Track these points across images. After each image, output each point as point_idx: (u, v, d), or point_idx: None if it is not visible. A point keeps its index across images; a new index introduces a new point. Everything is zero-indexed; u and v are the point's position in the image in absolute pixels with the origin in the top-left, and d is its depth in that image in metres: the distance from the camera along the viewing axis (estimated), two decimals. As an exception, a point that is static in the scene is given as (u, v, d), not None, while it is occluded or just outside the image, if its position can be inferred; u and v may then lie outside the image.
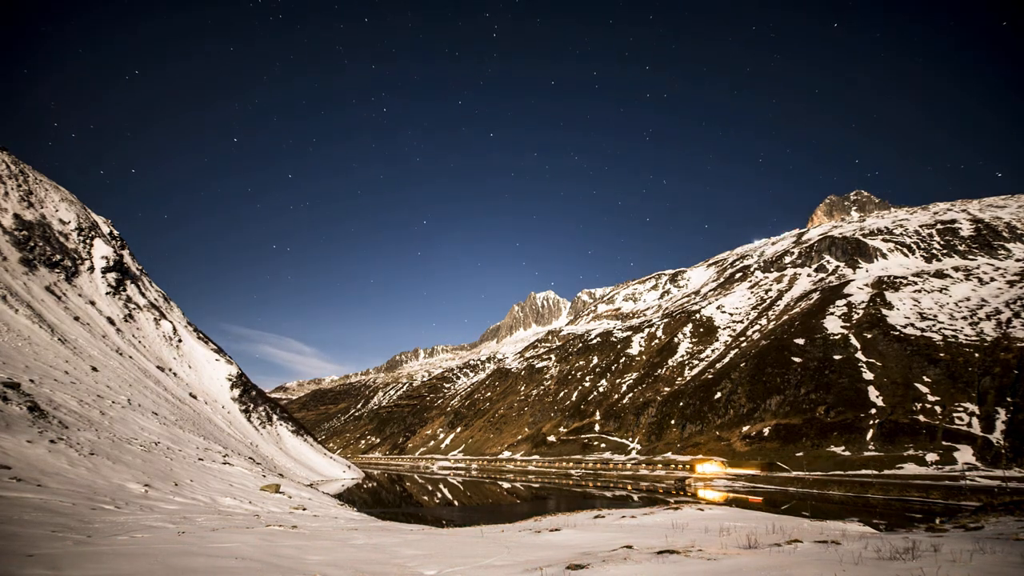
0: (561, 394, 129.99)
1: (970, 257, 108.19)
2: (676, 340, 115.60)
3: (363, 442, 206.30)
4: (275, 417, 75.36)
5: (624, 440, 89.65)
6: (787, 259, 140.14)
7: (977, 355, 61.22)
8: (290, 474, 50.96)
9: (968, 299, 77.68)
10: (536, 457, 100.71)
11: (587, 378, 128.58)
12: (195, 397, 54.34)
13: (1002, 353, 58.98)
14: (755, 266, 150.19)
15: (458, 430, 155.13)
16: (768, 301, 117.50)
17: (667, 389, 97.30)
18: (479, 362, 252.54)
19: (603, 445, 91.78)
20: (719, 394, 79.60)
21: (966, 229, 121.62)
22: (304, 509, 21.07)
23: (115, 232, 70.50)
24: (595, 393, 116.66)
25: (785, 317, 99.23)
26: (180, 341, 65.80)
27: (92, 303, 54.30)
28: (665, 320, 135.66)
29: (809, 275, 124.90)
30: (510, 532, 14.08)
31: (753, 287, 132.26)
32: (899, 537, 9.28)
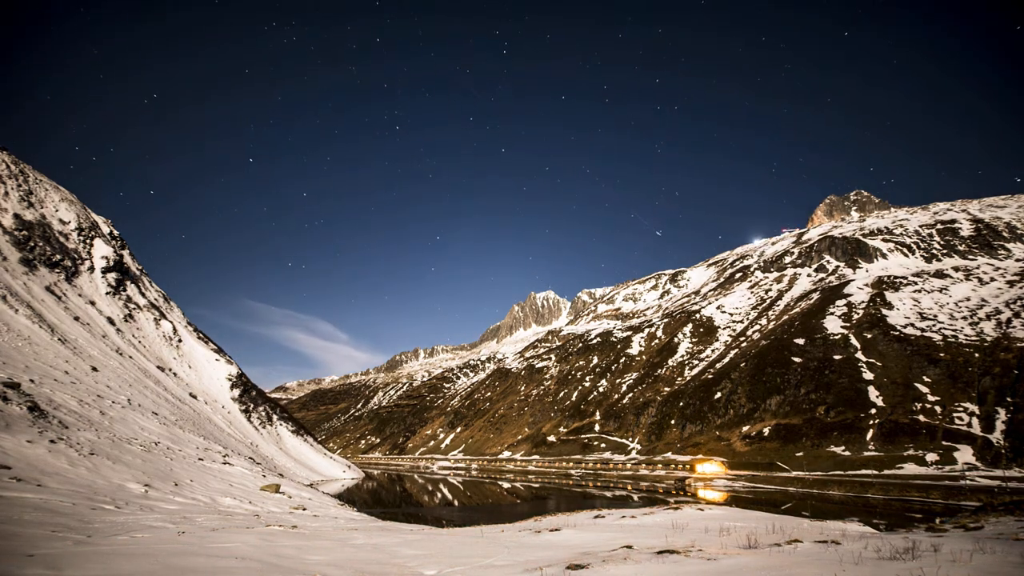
0: (561, 394, 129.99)
1: (970, 257, 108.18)
2: (676, 340, 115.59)
3: (363, 442, 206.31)
4: (275, 417, 75.36)
5: (624, 440, 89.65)
6: (787, 259, 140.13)
7: (977, 355, 61.21)
8: (290, 474, 50.96)
9: (968, 299, 77.68)
10: (536, 457, 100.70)
11: (587, 378, 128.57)
12: (195, 397, 54.34)
13: (1002, 353, 58.98)
14: (755, 266, 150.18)
15: (458, 430, 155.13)
16: (768, 301, 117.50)
17: (667, 389, 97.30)
18: (479, 362, 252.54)
19: (603, 445, 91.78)
20: (719, 394, 79.60)
21: (966, 229, 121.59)
22: (304, 509, 21.07)
23: (115, 232, 70.50)
24: (595, 393, 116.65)
25: (785, 317, 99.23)
26: (180, 341, 65.80)
27: (92, 303, 54.30)
28: (665, 320, 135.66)
29: (809, 275, 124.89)
30: (510, 532, 14.08)
31: (753, 287, 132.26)
32: (899, 537, 9.28)
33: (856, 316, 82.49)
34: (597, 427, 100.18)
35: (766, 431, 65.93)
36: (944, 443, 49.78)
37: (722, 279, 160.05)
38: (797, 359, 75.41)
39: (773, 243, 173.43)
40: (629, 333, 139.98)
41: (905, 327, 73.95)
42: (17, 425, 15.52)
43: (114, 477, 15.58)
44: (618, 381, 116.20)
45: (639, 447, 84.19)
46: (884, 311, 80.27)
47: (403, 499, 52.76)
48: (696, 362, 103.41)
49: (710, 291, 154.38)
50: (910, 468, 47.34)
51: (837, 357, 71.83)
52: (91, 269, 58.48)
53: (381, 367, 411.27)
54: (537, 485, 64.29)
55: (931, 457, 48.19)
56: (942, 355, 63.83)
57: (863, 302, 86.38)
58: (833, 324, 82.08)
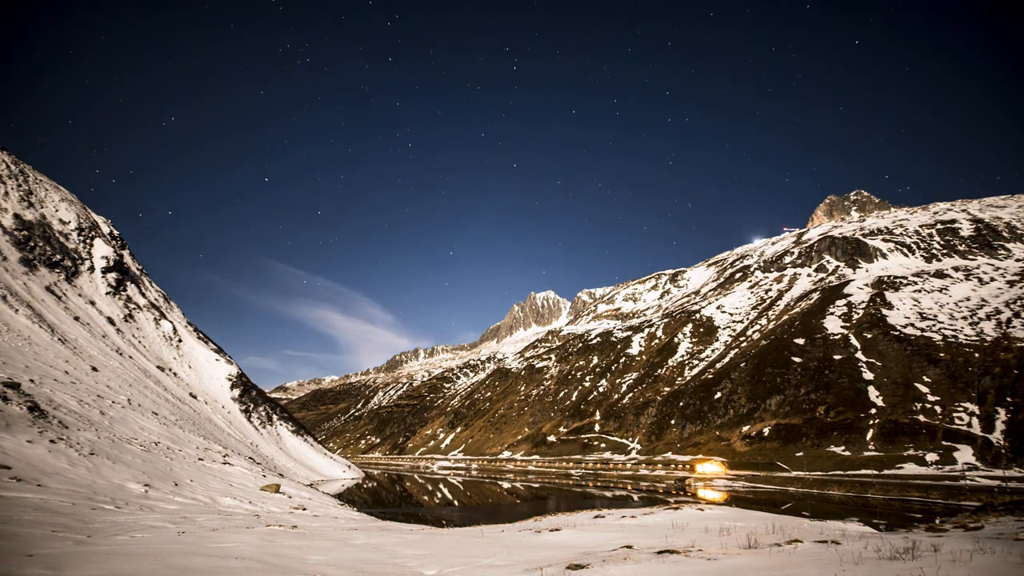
0: (561, 394, 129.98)
1: (970, 257, 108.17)
2: (676, 340, 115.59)
3: (363, 442, 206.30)
4: (275, 417, 75.36)
5: (624, 440, 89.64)
6: (787, 259, 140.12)
7: (977, 355, 61.21)
8: (290, 474, 50.96)
9: (968, 299, 77.67)
10: (536, 457, 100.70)
11: (587, 378, 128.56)
12: (195, 397, 54.34)
13: (1002, 353, 58.98)
14: (755, 266, 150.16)
15: (458, 430, 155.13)
16: (768, 301, 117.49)
17: (667, 389, 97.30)
18: (479, 362, 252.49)
19: (603, 445, 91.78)
20: (719, 394, 79.60)
21: (966, 229, 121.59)
22: (304, 509, 21.08)
23: (115, 232, 70.50)
24: (595, 393, 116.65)
25: (785, 317, 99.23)
26: (180, 341, 65.80)
27: (92, 303, 54.30)
28: (665, 320, 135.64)
29: (809, 275, 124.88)
30: (510, 532, 14.08)
31: (753, 287, 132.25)
32: (899, 537, 9.28)
33: (856, 316, 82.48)
34: (597, 427, 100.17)
35: (766, 431, 65.92)
36: (944, 443, 49.78)
37: (722, 279, 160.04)
38: (797, 359, 75.41)
39: (773, 243, 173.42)
40: (629, 333, 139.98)
41: (905, 327, 73.95)
42: (17, 425, 15.52)
43: (114, 477, 15.58)
44: (618, 381, 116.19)
45: (639, 447, 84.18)
46: (884, 311, 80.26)
47: (403, 499, 52.76)
48: (696, 362, 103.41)
49: (710, 291, 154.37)
50: (910, 468, 47.35)
51: (837, 357, 71.83)
52: (91, 269, 58.47)
53: (381, 367, 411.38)
54: (537, 485, 64.28)
55: (931, 457, 48.20)
56: (942, 355, 63.83)
57: (863, 302, 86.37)
58: (833, 324, 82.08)
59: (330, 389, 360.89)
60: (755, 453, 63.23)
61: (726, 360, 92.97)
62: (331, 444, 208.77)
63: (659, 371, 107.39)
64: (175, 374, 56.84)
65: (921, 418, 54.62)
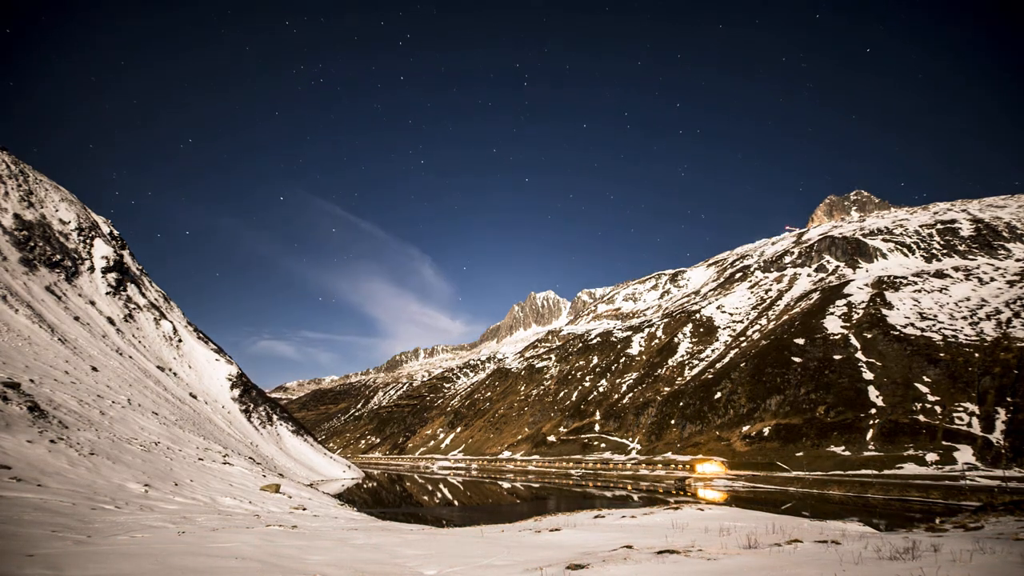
0: (561, 394, 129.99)
1: (970, 257, 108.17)
2: (676, 340, 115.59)
3: (363, 442, 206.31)
4: (275, 417, 75.37)
5: (624, 440, 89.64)
6: (787, 259, 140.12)
7: (977, 355, 61.20)
8: (290, 474, 50.97)
9: (968, 299, 77.68)
10: (536, 457, 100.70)
11: (587, 378, 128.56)
12: (195, 397, 54.35)
13: (1002, 353, 58.97)
14: (755, 266, 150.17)
15: (458, 430, 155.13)
16: (768, 301, 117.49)
17: (667, 389, 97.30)
18: (479, 362, 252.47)
19: (603, 445, 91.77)
20: (719, 394, 79.60)
21: (966, 229, 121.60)
22: (304, 509, 21.08)
23: (115, 232, 70.49)
24: (595, 393, 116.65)
25: (785, 317, 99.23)
26: (180, 341, 65.80)
27: (92, 303, 54.30)
28: (665, 320, 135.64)
29: (809, 275, 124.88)
30: (510, 532, 14.08)
31: (753, 287, 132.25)
32: (899, 537, 9.28)
33: (856, 316, 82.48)
34: (597, 427, 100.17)
35: (766, 431, 65.93)
36: (944, 443, 49.78)
37: (722, 279, 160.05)
38: (797, 359, 75.41)
39: (773, 243, 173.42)
40: (629, 333, 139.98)
41: (905, 327, 73.95)
42: (17, 425, 15.52)
43: (114, 477, 15.58)
44: (618, 381, 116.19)
45: (639, 447, 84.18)
46: (884, 311, 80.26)
47: (403, 499, 52.76)
48: (696, 362, 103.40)
49: (710, 291, 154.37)
50: (910, 468, 47.35)
51: (837, 357, 71.83)
52: (91, 269, 58.47)
53: (381, 367, 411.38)
54: (537, 485, 64.29)
55: (931, 457, 48.20)
56: (942, 355, 63.82)
57: (863, 302, 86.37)
58: (833, 324, 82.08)
59: (330, 389, 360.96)
60: (755, 453, 63.23)
61: (726, 360, 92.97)
62: (331, 444, 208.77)
63: (659, 371, 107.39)
64: (175, 374, 56.84)
65: (921, 418, 54.61)
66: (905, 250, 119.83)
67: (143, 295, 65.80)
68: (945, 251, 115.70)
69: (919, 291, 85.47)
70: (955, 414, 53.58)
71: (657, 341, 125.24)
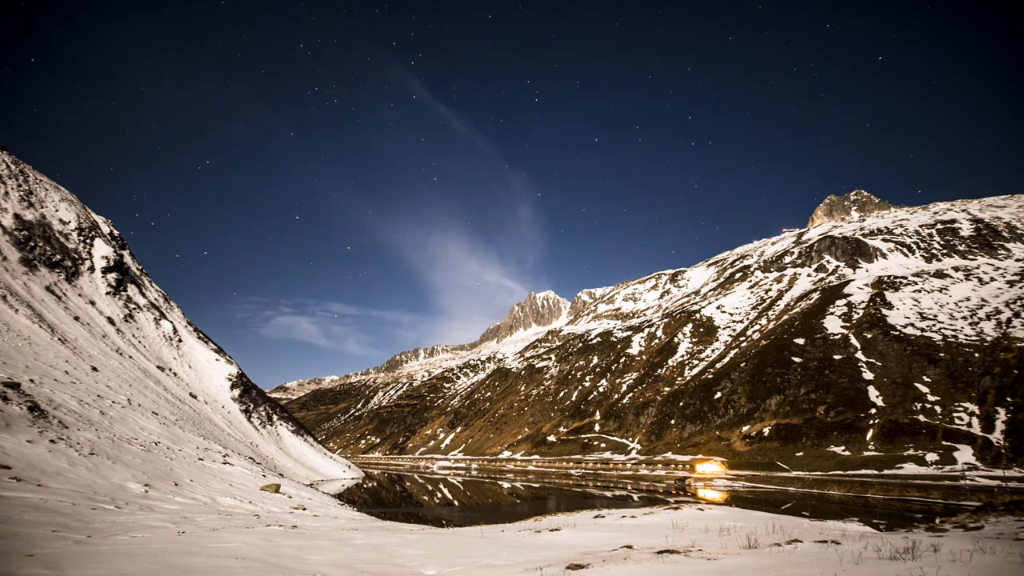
0: (561, 394, 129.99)
1: (970, 257, 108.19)
2: (676, 340, 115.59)
3: (363, 442, 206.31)
4: (275, 417, 75.38)
5: (624, 440, 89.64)
6: (787, 259, 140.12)
7: (977, 355, 61.20)
8: (290, 474, 50.98)
9: (968, 299, 77.68)
10: (536, 457, 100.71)
11: (587, 378, 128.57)
12: (195, 397, 54.35)
13: (1002, 353, 58.97)
14: (755, 266, 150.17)
15: (458, 430, 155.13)
16: (768, 301, 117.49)
17: (667, 389, 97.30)
18: (479, 362, 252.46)
19: (603, 445, 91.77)
20: (719, 394, 79.60)
21: (966, 229, 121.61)
22: (304, 509, 21.08)
23: (115, 232, 70.50)
24: (595, 393, 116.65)
25: (785, 317, 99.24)
26: (180, 341, 65.81)
27: (92, 303, 54.30)
28: (665, 320, 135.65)
29: (809, 275, 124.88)
30: (510, 532, 14.08)
31: (753, 287, 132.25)
32: (899, 537, 9.28)
33: (856, 316, 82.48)
34: (597, 427, 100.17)
35: (766, 431, 65.92)
36: (944, 443, 49.77)
37: (722, 279, 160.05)
38: (797, 359, 75.42)
39: (773, 243, 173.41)
40: (629, 333, 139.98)
41: (905, 327, 73.95)
42: (17, 425, 15.52)
43: (114, 477, 15.58)
44: (618, 381, 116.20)
45: (639, 447, 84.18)
46: (884, 311, 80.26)
47: (403, 499, 52.77)
48: (696, 362, 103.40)
49: (710, 291, 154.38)
50: (910, 468, 47.34)
51: (837, 357, 71.83)
52: (91, 269, 58.47)
53: (381, 367, 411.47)
54: (537, 485, 64.30)
55: (931, 457, 48.19)
56: (942, 355, 63.83)
57: (863, 302, 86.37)
58: (833, 324, 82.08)
59: (330, 389, 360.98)
60: (755, 453, 63.23)
61: (726, 360, 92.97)
62: (331, 444, 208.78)
63: (659, 371, 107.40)
64: (175, 374, 56.84)
65: (921, 418, 54.62)
66: (905, 250, 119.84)
67: (143, 295, 65.81)
68: (945, 251, 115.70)
69: (919, 291, 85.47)
70: (955, 414, 53.58)
71: (657, 341, 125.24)
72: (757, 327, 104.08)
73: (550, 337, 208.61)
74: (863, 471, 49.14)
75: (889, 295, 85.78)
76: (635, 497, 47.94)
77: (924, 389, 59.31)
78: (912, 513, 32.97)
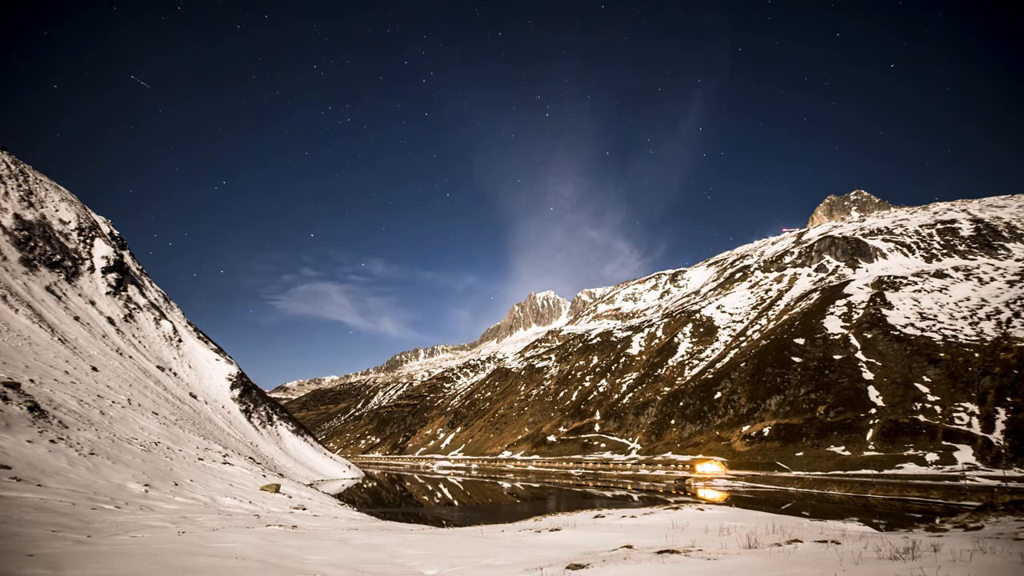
0: (561, 394, 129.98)
1: (970, 257, 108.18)
2: (676, 340, 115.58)
3: (363, 442, 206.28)
4: (275, 417, 75.37)
5: (624, 440, 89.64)
6: (787, 259, 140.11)
7: (977, 355, 61.20)
8: (290, 474, 50.98)
9: (968, 299, 77.67)
10: (536, 457, 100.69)
11: (587, 378, 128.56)
12: (195, 397, 54.35)
13: (1002, 353, 58.97)
14: (755, 266, 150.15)
15: (458, 430, 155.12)
16: (768, 301, 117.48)
17: (667, 389, 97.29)
18: (479, 362, 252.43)
19: (603, 445, 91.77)
20: (719, 394, 79.59)
21: (966, 229, 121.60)
22: (304, 509, 21.08)
23: (115, 232, 70.50)
24: (595, 393, 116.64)
25: (785, 317, 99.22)
26: (180, 341, 65.81)
27: (92, 303, 54.30)
28: (665, 320, 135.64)
29: (809, 275, 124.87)
30: (510, 532, 14.08)
31: (753, 287, 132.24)
32: (899, 537, 9.28)
33: (856, 316, 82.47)
34: (597, 427, 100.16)
35: (766, 431, 65.92)
36: (944, 443, 49.77)
37: (722, 279, 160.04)
38: (797, 359, 75.41)
39: (773, 243, 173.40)
40: (629, 333, 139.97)
41: (905, 327, 73.95)
42: (17, 425, 15.52)
43: (114, 477, 15.58)
44: (618, 381, 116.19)
45: (639, 447, 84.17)
46: (884, 311, 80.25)
47: (403, 499, 52.77)
48: (696, 362, 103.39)
49: (710, 291, 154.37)
50: (910, 468, 47.33)
51: (837, 357, 71.82)
52: (91, 269, 58.47)
53: (381, 367, 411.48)
54: (537, 485, 64.29)
55: (931, 457, 48.19)
56: (942, 355, 63.82)
57: (863, 302, 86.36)
58: (833, 324, 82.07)
59: (330, 389, 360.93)
60: (755, 453, 63.22)
61: (726, 360, 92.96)
62: (331, 444, 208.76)
63: (659, 371, 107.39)
64: (175, 374, 56.84)
65: (921, 418, 54.61)
66: (905, 250, 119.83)
67: (143, 295, 65.80)
68: (945, 251, 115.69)
69: (919, 291, 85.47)
70: (955, 414, 53.57)
71: (657, 341, 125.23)
72: (757, 327, 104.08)
73: (550, 337, 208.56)
74: (863, 471, 49.13)
75: (889, 295, 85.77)
76: (635, 497, 47.93)
77: (924, 389, 59.30)
78: (912, 513, 32.97)
